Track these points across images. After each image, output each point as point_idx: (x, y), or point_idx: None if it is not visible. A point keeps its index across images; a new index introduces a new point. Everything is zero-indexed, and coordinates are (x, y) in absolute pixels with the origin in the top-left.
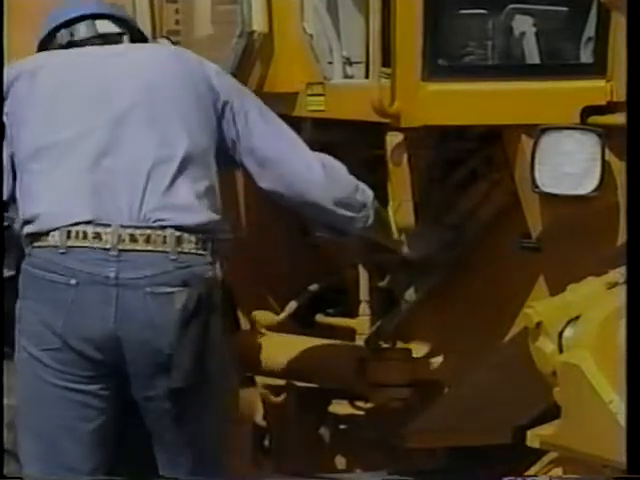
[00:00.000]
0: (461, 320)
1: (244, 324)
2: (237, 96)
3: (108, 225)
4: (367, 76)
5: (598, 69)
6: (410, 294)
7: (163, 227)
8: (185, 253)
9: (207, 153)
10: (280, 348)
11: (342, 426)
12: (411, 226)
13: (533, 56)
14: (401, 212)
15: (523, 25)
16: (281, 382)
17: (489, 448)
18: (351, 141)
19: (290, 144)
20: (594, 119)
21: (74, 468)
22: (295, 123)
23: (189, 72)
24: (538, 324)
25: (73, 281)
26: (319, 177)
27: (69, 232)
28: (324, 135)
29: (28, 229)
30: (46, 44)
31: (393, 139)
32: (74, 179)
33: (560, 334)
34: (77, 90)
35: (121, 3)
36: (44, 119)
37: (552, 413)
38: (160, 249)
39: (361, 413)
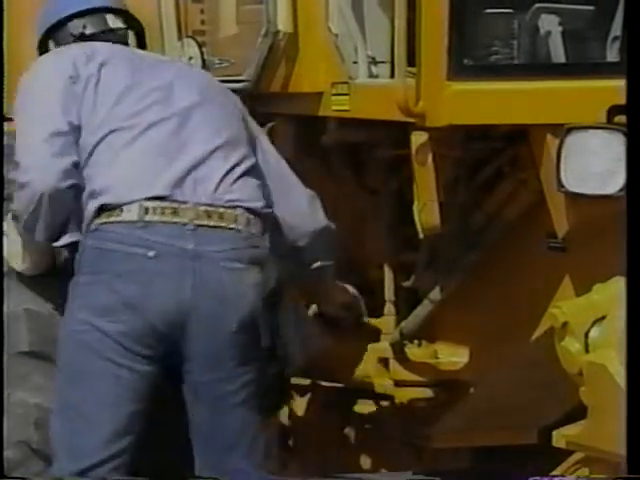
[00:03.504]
0: (486, 320)
1: None
2: (253, 122)
3: (184, 202)
4: (392, 75)
5: (625, 68)
6: (435, 294)
7: (234, 207)
8: (253, 234)
9: (252, 155)
10: None
11: (367, 426)
12: (436, 227)
13: (559, 55)
14: (426, 212)
15: (549, 24)
16: (306, 382)
17: (514, 448)
18: (376, 141)
19: (292, 177)
20: (620, 118)
21: (99, 446)
22: (320, 123)
23: (223, 86)
24: (564, 324)
25: (151, 253)
26: (317, 214)
27: (147, 208)
28: (349, 135)
29: (97, 202)
30: (53, 32)
31: (418, 139)
32: (149, 158)
33: (586, 334)
34: (144, 88)
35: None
36: (116, 107)
37: (578, 413)
38: (233, 226)
39: (386, 413)
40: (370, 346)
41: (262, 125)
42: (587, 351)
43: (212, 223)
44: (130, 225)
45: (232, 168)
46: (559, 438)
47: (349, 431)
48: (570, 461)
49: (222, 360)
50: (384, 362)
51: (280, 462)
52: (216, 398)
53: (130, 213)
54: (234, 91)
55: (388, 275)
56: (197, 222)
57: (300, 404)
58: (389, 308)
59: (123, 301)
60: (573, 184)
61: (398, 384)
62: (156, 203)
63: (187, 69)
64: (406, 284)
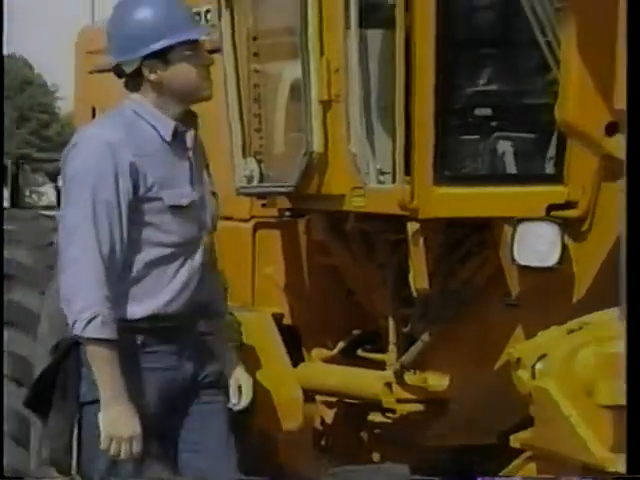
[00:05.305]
0: (463, 356)
1: (307, 358)
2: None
3: None
4: (394, 182)
5: (558, 178)
6: (426, 337)
7: None
8: None
9: None
10: (333, 375)
11: (376, 430)
12: (426, 289)
13: (512, 168)
14: (419, 279)
15: (505, 147)
16: (333, 399)
17: (483, 447)
18: (383, 228)
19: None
20: (556, 213)
21: None
22: (344, 216)
23: None
24: (518, 359)
25: None
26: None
27: None
28: (364, 224)
29: None
30: (161, 55)
31: (413, 227)
32: None
33: (533, 367)
34: None
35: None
36: None
37: (527, 422)
38: None
39: (390, 421)
40: (378, 374)
41: (302, 217)
42: (534, 379)
43: None
44: None
45: None
46: (515, 440)
47: (364, 434)
48: (522, 457)
49: None
50: (389, 385)
51: (315, 456)
52: None
53: None
54: (282, 194)
55: (392, 324)
56: None
57: (329, 414)
58: (392, 347)
59: None
60: (523, 259)
61: (399, 401)
62: None
63: None
64: (405, 330)
